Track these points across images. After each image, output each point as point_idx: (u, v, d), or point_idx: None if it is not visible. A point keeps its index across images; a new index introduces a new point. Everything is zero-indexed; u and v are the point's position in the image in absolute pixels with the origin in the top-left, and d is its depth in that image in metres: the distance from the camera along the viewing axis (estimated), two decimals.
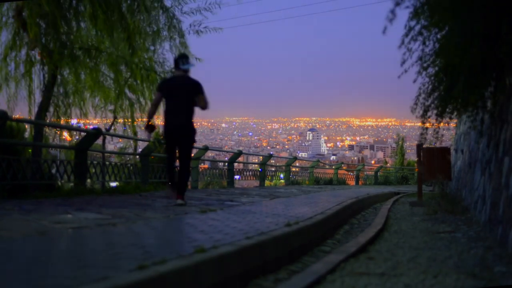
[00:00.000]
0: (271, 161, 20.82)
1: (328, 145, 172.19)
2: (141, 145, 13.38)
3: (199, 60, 12.08)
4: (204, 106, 6.82)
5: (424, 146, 8.97)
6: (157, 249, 2.87)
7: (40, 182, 8.20)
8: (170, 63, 12.16)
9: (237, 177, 16.21)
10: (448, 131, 7.73)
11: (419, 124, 5.33)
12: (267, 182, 17.90)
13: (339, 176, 24.20)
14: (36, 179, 8.01)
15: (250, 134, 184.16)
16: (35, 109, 11.29)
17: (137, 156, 12.58)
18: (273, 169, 20.08)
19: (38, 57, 11.06)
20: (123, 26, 9.90)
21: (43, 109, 10.73)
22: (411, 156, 39.19)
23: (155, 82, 12.20)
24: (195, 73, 12.55)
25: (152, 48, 11.61)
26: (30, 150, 10.68)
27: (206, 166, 16.44)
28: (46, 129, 11.54)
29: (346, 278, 2.98)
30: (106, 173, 9.94)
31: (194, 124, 6.91)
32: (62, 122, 12.06)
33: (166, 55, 12.01)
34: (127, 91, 12.97)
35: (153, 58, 11.84)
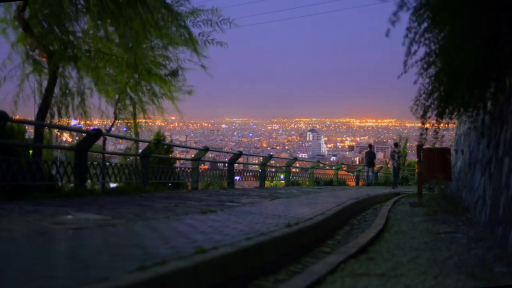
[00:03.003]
0: (271, 162, 20.79)
1: (328, 145, 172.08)
2: (142, 146, 13.39)
3: (204, 68, 12.16)
4: None
5: (425, 146, 8.97)
6: (157, 250, 2.87)
7: (40, 183, 8.19)
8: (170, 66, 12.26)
9: (237, 178, 16.20)
10: (448, 131, 7.73)
11: (419, 124, 5.33)
12: (267, 183, 17.89)
13: (339, 176, 24.20)
14: (36, 180, 8.00)
15: (250, 135, 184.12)
16: (35, 110, 11.30)
17: (138, 157, 12.59)
18: (273, 169, 20.06)
19: (39, 58, 11.07)
20: (128, 26, 9.89)
21: (43, 109, 10.73)
22: (411, 156, 39.14)
23: (157, 83, 12.25)
24: (195, 76, 12.62)
25: (155, 52, 11.68)
26: (30, 151, 10.68)
27: (206, 167, 16.42)
28: (47, 130, 11.55)
29: (346, 279, 2.98)
30: (106, 174, 9.94)
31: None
32: (63, 123, 12.07)
33: (167, 57, 12.08)
34: (129, 91, 13.00)
35: (156, 60, 11.89)
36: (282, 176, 19.98)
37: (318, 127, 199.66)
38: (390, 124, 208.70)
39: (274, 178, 19.60)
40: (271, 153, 23.39)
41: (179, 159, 23.06)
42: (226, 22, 11.94)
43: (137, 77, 12.03)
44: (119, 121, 14.35)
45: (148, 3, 9.71)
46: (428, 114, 5.06)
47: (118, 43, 10.65)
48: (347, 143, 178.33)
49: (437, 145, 7.69)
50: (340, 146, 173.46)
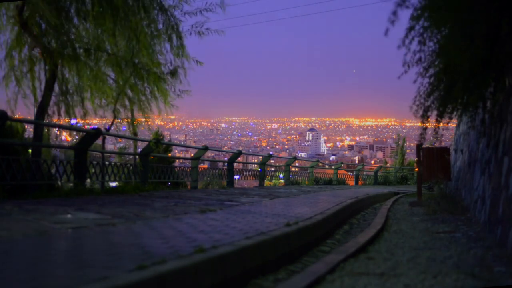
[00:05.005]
0: (271, 161, 20.81)
1: (328, 145, 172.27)
2: (141, 145, 13.38)
3: (200, 63, 12.16)
4: None
5: (424, 146, 8.97)
6: (156, 249, 2.87)
7: (40, 182, 8.20)
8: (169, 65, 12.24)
9: (236, 177, 16.20)
10: (447, 131, 7.72)
11: (419, 124, 5.33)
12: (266, 182, 17.90)
13: (338, 176, 24.20)
14: (36, 179, 8.00)
15: (250, 134, 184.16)
16: (35, 109, 11.30)
17: (137, 156, 12.58)
18: (272, 169, 20.07)
19: (38, 57, 11.07)
20: (124, 25, 9.90)
21: (43, 109, 10.73)
22: (411, 156, 39.22)
23: (155, 82, 12.24)
24: (195, 75, 12.62)
25: (154, 49, 11.66)
26: (30, 151, 10.69)
27: (205, 166, 16.43)
28: (46, 129, 11.54)
29: (346, 278, 2.98)
30: (105, 173, 9.93)
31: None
32: (62, 122, 12.06)
33: (166, 55, 12.06)
34: (127, 90, 12.99)
35: (153, 59, 11.88)
36: (281, 176, 19.98)
37: (317, 126, 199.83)
38: (389, 124, 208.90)
39: (274, 178, 19.62)
40: (271, 152, 23.37)
41: (179, 158, 23.06)
42: (217, 7, 11.88)
43: (136, 76, 12.01)
44: (119, 120, 14.34)
45: (144, 3, 9.74)
46: (428, 114, 5.06)
47: (116, 42, 10.66)
48: (346, 143, 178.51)
49: (437, 145, 7.69)
50: (339, 146, 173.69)
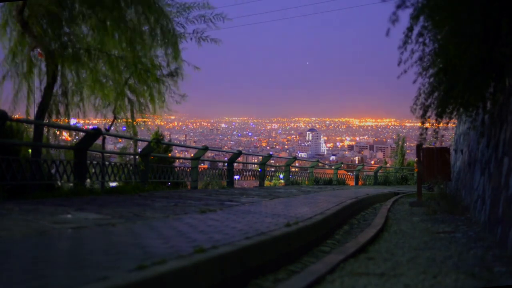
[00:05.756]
0: (271, 161, 20.79)
1: (328, 145, 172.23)
2: (141, 145, 13.39)
3: (197, 69, 12.24)
4: None
5: (424, 146, 8.97)
6: (156, 249, 2.87)
7: (40, 182, 8.19)
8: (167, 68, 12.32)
9: (236, 177, 16.20)
10: (447, 131, 7.72)
11: (419, 124, 5.33)
12: (266, 182, 17.89)
13: (338, 176, 24.19)
14: (36, 179, 8.00)
15: (250, 134, 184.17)
16: (35, 109, 11.30)
17: (137, 156, 12.59)
18: (272, 169, 20.06)
19: (38, 57, 11.08)
20: (123, 27, 9.92)
21: (43, 109, 10.73)
22: (411, 156, 39.22)
23: (154, 83, 12.28)
24: (195, 76, 12.66)
25: (155, 52, 11.74)
26: (30, 151, 10.68)
27: (205, 166, 16.43)
28: (46, 129, 11.55)
29: (346, 278, 2.98)
30: (105, 173, 9.93)
31: None
32: (62, 122, 12.07)
33: (163, 57, 12.12)
34: (127, 91, 13.01)
35: (153, 61, 11.93)
36: (281, 176, 19.98)
37: (317, 126, 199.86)
38: (389, 124, 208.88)
39: (274, 178, 19.61)
40: (271, 153, 23.36)
41: (179, 158, 23.06)
42: (219, 18, 12.00)
43: (135, 77, 12.04)
44: (119, 120, 14.35)
45: (143, 7, 9.79)
46: (428, 114, 5.07)
47: (117, 43, 10.69)
48: (346, 143, 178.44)
49: (437, 145, 7.69)
50: (339, 146, 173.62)
